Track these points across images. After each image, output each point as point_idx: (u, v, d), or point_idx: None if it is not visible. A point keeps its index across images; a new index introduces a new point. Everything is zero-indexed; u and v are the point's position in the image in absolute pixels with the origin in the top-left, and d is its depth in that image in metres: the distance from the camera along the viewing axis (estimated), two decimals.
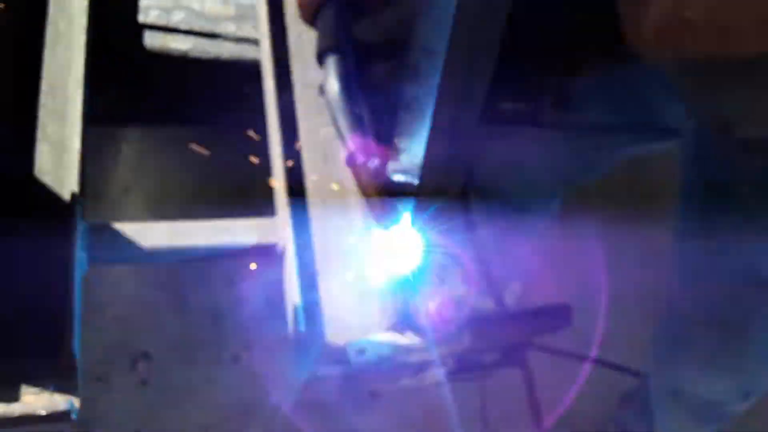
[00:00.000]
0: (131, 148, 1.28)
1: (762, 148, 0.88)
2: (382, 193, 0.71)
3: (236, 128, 0.84)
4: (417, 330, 0.72)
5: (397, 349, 0.71)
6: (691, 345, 1.20)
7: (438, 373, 0.77)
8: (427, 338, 0.72)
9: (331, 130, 0.82)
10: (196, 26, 0.91)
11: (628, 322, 1.70)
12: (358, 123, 0.70)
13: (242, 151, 0.83)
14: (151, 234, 0.69)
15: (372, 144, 0.70)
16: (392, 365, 0.71)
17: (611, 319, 1.68)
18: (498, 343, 0.81)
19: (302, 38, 0.87)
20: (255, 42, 0.90)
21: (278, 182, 0.76)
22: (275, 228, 0.75)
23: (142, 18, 0.89)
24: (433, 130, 0.62)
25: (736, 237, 1.00)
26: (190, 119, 0.92)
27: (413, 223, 0.70)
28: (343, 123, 0.70)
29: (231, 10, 0.94)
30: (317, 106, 0.83)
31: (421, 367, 0.75)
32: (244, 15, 0.94)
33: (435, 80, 0.60)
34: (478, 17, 0.56)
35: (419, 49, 0.63)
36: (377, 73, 0.75)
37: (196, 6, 0.92)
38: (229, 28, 0.92)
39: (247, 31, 0.93)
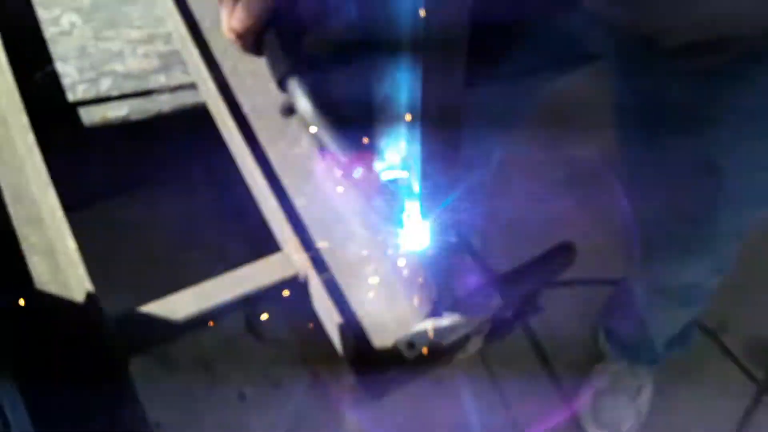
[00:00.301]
0: (107, 224, 1.24)
1: (687, 52, 0.93)
2: (383, 193, 0.72)
3: (206, 175, 0.83)
4: (452, 309, 0.75)
5: (444, 332, 0.73)
6: (665, 243, 1.28)
7: (478, 340, 0.79)
8: (463, 312, 0.75)
9: (301, 150, 0.83)
10: (127, 88, 0.89)
11: (595, 239, 1.79)
12: (342, 133, 0.71)
13: (218, 196, 0.83)
14: (179, 306, 0.69)
15: (363, 150, 0.71)
16: (442, 348, 0.74)
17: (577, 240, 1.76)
18: (519, 297, 0.84)
19: (238, 69, 0.87)
20: (191, 86, 0.89)
21: (274, 215, 0.77)
22: (286, 261, 0.76)
23: (71, 97, 0.86)
24: (424, 116, 0.63)
25: (679, 135, 1.07)
26: (159, 179, 0.90)
27: (421, 212, 0.71)
28: (328, 136, 0.71)
29: (155, 62, 0.92)
30: (278, 130, 0.84)
31: (465, 341, 0.77)
32: (168, 64, 0.93)
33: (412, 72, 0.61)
34: None
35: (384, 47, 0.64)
36: (339, 82, 0.76)
37: (119, 68, 0.90)
38: (160, 80, 0.90)
39: (178, 79, 0.91)
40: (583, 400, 1.83)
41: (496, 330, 0.82)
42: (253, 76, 0.87)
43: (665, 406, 1.86)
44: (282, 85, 0.74)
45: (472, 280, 0.77)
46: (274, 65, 0.75)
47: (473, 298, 0.76)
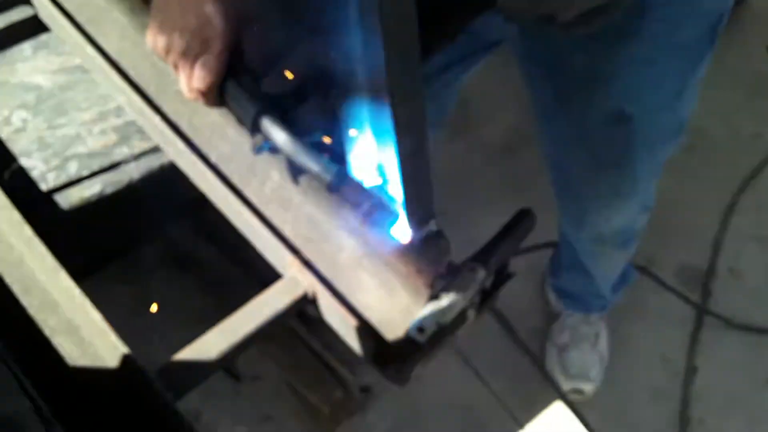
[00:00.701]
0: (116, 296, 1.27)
1: (582, 19, 1.05)
2: (371, 204, 0.80)
3: (192, 231, 0.89)
4: (446, 289, 0.83)
5: (445, 311, 0.82)
6: (594, 193, 1.41)
7: (473, 312, 0.88)
8: (456, 290, 0.84)
9: (273, 183, 0.90)
10: (95, 166, 0.94)
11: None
12: (321, 154, 0.78)
13: (214, 248, 0.89)
14: (211, 346, 0.75)
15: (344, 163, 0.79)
16: (447, 325, 0.82)
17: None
18: (496, 267, 0.93)
19: (193, 124, 0.94)
20: (155, 150, 0.95)
21: (269, 244, 0.84)
22: (291, 284, 0.82)
23: (44, 187, 0.91)
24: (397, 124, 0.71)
25: (587, 93, 1.19)
26: (151, 242, 0.95)
27: (406, 214, 0.80)
28: (312, 161, 0.78)
29: (113, 137, 0.97)
30: (246, 170, 0.90)
31: (463, 314, 0.86)
32: (125, 135, 0.98)
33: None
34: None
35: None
36: (307, 114, 0.83)
37: (81, 149, 0.95)
38: (124, 152, 0.96)
39: (139, 146, 0.97)
40: (550, 359, 1.95)
41: (483, 301, 0.92)
42: (210, 128, 0.93)
43: (620, 345, 2.01)
44: (255, 127, 0.81)
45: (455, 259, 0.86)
46: (242, 111, 0.81)
47: (461, 276, 0.85)
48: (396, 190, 0.82)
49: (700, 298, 2.14)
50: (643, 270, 2.13)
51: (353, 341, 0.81)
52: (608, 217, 1.46)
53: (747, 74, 2.48)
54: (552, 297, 1.98)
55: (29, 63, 1.06)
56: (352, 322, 0.79)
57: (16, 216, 0.81)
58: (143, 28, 0.97)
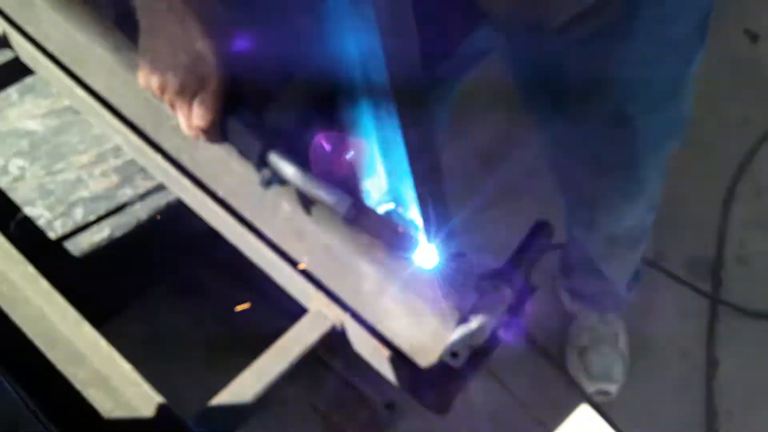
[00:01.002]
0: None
1: (572, 23, 1.03)
2: (390, 228, 0.78)
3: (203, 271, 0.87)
4: (474, 311, 0.81)
5: (476, 333, 0.79)
6: (602, 196, 1.40)
7: (505, 333, 0.86)
8: (485, 311, 0.81)
9: (285, 214, 0.88)
10: (101, 210, 0.91)
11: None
12: (334, 184, 0.76)
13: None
14: (245, 388, 0.72)
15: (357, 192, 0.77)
16: (480, 347, 0.80)
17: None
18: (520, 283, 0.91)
19: (195, 159, 0.91)
20: (160, 187, 0.92)
21: (291, 280, 0.81)
22: (318, 318, 0.80)
23: (52, 235, 0.88)
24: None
25: (584, 97, 1.17)
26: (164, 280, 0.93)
27: (427, 236, 0.78)
28: (325, 193, 0.75)
29: (115, 178, 0.95)
30: (257, 202, 0.88)
31: (495, 334, 0.83)
32: (127, 175, 0.95)
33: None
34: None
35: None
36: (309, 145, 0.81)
37: (84, 194, 0.93)
38: (128, 193, 0.93)
39: (143, 186, 0.94)
40: (571, 361, 1.93)
41: (513, 318, 0.89)
42: (213, 163, 0.91)
43: (638, 342, 1.98)
44: (262, 161, 0.78)
45: (482, 279, 0.84)
46: (246, 146, 0.79)
47: (489, 296, 0.83)
48: (413, 212, 0.80)
49: (712, 288, 2.12)
50: (653, 265, 2.11)
51: (387, 372, 0.79)
52: (618, 218, 1.44)
53: (728, 60, 2.46)
54: (566, 298, 1.95)
55: (17, 108, 1.03)
56: (385, 353, 0.77)
57: (30, 269, 0.78)
58: (131, 65, 0.95)
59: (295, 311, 0.84)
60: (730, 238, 2.20)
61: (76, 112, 1.00)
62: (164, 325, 1.61)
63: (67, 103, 1.02)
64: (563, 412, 1.88)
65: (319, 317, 0.79)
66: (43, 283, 0.76)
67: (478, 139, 2.27)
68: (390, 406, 1.78)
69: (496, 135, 2.32)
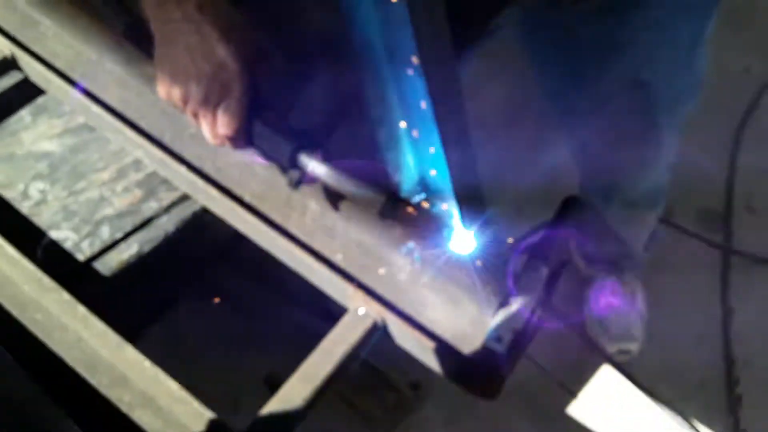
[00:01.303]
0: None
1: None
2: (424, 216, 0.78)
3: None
4: (516, 293, 0.81)
5: (516, 317, 0.80)
6: (621, 165, 1.40)
7: (542, 311, 0.86)
8: (524, 292, 0.82)
9: (314, 213, 0.88)
10: (127, 226, 0.91)
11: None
12: (367, 180, 0.76)
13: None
14: (294, 394, 0.73)
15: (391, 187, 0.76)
16: (524, 328, 0.80)
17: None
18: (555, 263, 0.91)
19: (218, 166, 0.91)
20: (184, 198, 0.92)
21: (330, 280, 0.81)
22: (358, 315, 0.80)
23: (80, 257, 0.88)
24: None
25: (601, 64, 1.17)
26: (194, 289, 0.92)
27: (461, 222, 0.77)
28: (360, 189, 0.76)
29: (138, 193, 0.94)
30: (284, 205, 0.88)
31: (535, 315, 0.84)
32: (151, 189, 0.95)
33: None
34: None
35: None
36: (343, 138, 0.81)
37: (109, 211, 0.92)
38: (153, 207, 0.93)
39: (167, 198, 0.94)
40: (590, 324, 1.94)
41: (548, 297, 0.90)
42: (237, 169, 0.91)
43: (655, 298, 1.99)
44: (292, 162, 0.78)
45: (518, 260, 0.84)
46: (275, 149, 0.79)
47: (526, 276, 0.83)
48: (447, 198, 0.79)
49: (723, 239, 2.13)
50: (665, 221, 2.11)
51: (433, 363, 0.79)
52: (638, 182, 1.45)
53: (727, 8, 2.46)
54: (580, 263, 1.96)
55: (32, 131, 1.03)
56: (429, 344, 0.77)
57: (65, 296, 0.78)
58: (144, 76, 0.94)
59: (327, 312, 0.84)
60: (737, 187, 2.20)
61: (92, 129, 0.99)
62: (185, 327, 1.61)
63: (81, 120, 1.01)
64: (587, 375, 1.91)
65: (356, 316, 0.79)
66: (80, 309, 0.76)
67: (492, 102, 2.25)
68: (415, 386, 1.79)
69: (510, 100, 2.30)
